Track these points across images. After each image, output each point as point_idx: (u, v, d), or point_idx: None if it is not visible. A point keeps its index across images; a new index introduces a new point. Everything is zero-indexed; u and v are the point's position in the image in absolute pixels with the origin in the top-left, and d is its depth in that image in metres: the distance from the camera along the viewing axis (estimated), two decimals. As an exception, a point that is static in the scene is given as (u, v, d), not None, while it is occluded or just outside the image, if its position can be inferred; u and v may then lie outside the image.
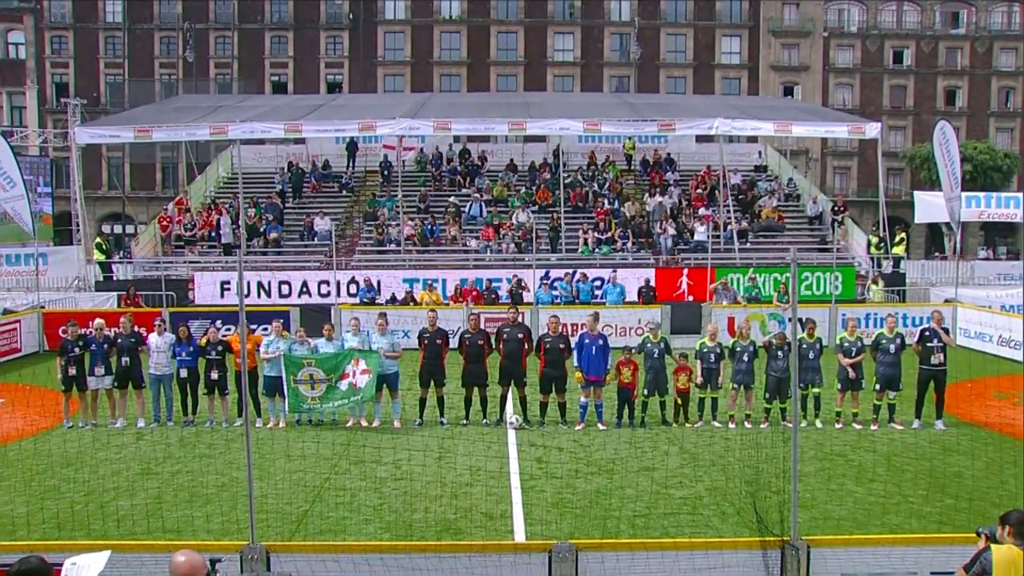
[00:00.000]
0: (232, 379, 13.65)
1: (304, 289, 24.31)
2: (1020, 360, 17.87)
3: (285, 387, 13.00)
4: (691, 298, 23.58)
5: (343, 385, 12.88)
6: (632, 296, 22.88)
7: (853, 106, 52.19)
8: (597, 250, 26.51)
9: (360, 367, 12.88)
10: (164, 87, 52.95)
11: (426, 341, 13.44)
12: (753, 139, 33.59)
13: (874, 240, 26.55)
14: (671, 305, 21.92)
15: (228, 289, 24.04)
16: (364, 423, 13.44)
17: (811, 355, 13.31)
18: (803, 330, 13.43)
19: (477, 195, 29.91)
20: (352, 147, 33.00)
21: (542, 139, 32.21)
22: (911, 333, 16.12)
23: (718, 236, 26.43)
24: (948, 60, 55.11)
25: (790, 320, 13.60)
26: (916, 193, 31.86)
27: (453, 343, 14.12)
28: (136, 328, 14.28)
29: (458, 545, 7.07)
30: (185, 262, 26.75)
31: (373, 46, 53.98)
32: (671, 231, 27.12)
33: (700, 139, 32.09)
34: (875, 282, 24.11)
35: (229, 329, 19.38)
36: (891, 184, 48.99)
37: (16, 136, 37.52)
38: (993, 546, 5.32)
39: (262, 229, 27.69)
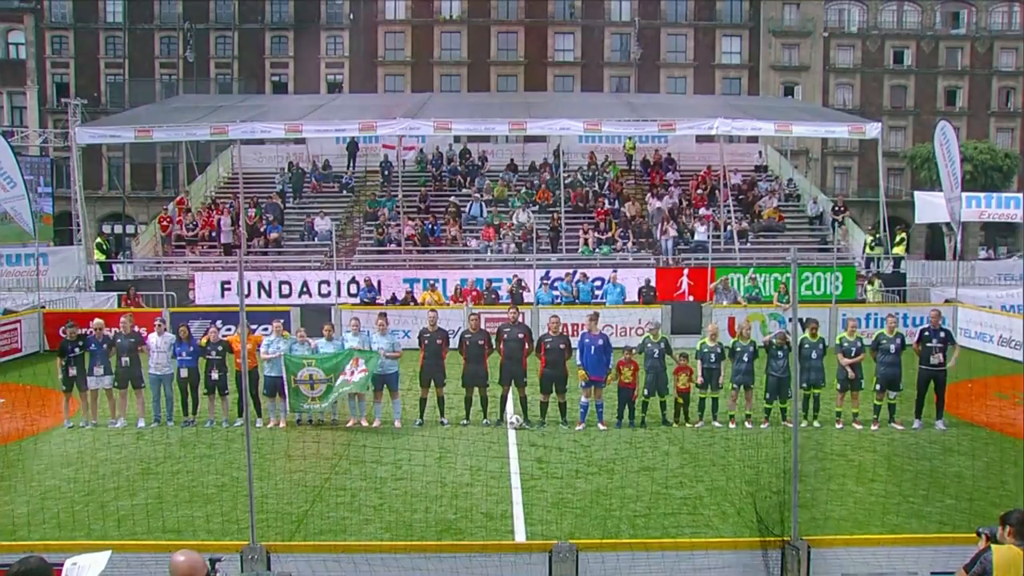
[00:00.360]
0: (232, 379, 13.66)
1: (304, 289, 24.32)
2: (1020, 360, 17.87)
3: (285, 387, 13.03)
4: (691, 298, 23.56)
5: (339, 383, 12.92)
6: (632, 296, 22.87)
7: (853, 106, 52.17)
8: (597, 250, 26.50)
9: (359, 367, 12.91)
10: (164, 87, 52.93)
11: (426, 341, 13.43)
12: (753, 139, 33.58)
13: (869, 240, 26.55)
14: (671, 305, 21.89)
15: (228, 289, 24.05)
16: (364, 423, 13.44)
17: (814, 355, 13.32)
18: (805, 330, 13.43)
19: (477, 195, 29.91)
20: (352, 147, 33.01)
21: (542, 139, 32.18)
22: (911, 333, 16.12)
23: (718, 236, 26.41)
24: (948, 60, 55.09)
25: (790, 320, 13.61)
26: (916, 193, 31.88)
27: (453, 343, 14.13)
28: (136, 328, 14.27)
29: (458, 545, 7.06)
30: (185, 262, 26.75)
31: (373, 46, 53.97)
32: (672, 232, 27.11)
33: (700, 139, 32.06)
34: (871, 282, 24.11)
35: (229, 329, 19.38)
36: (891, 184, 49.00)
37: (16, 136, 37.59)
38: (993, 546, 5.32)
39: (262, 229, 27.69)
